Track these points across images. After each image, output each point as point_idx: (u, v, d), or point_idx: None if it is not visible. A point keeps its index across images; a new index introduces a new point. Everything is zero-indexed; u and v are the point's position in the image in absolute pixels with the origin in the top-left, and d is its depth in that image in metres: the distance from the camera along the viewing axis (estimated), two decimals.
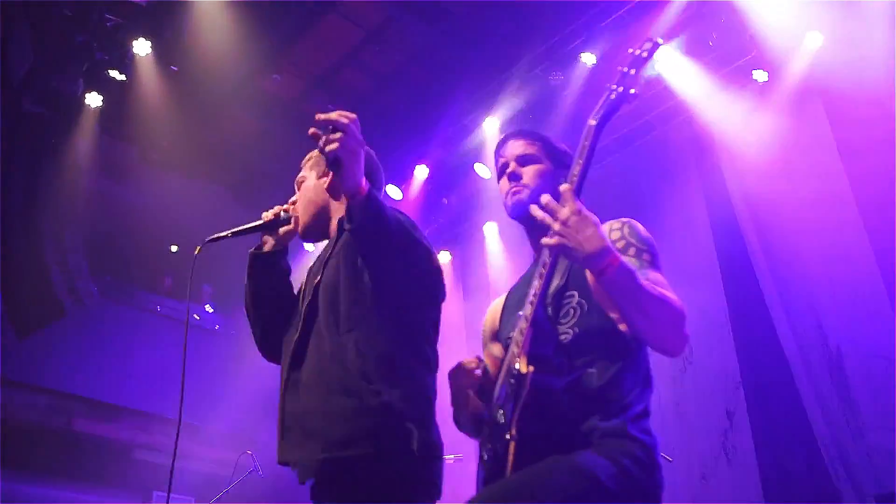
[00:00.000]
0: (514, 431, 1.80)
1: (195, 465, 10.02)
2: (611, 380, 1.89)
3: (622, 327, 1.87)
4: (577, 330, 1.95)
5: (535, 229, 2.06)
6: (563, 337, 1.96)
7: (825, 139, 5.87)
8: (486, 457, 1.93)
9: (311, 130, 1.96)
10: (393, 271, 2.18)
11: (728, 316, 6.19)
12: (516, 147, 2.21)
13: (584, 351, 1.92)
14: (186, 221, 9.11)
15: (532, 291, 1.90)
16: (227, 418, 9.90)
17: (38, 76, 7.05)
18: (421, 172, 8.17)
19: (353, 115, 1.97)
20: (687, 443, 6.20)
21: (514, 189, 2.15)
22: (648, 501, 1.82)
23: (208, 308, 10.98)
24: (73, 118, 7.44)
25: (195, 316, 10.86)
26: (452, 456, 6.57)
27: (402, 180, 8.25)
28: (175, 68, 7.26)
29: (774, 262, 6.03)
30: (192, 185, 8.98)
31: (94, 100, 7.27)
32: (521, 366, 1.84)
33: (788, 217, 6.03)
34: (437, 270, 2.35)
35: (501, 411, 1.86)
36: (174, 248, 10.34)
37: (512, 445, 1.78)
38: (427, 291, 2.32)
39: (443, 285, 2.38)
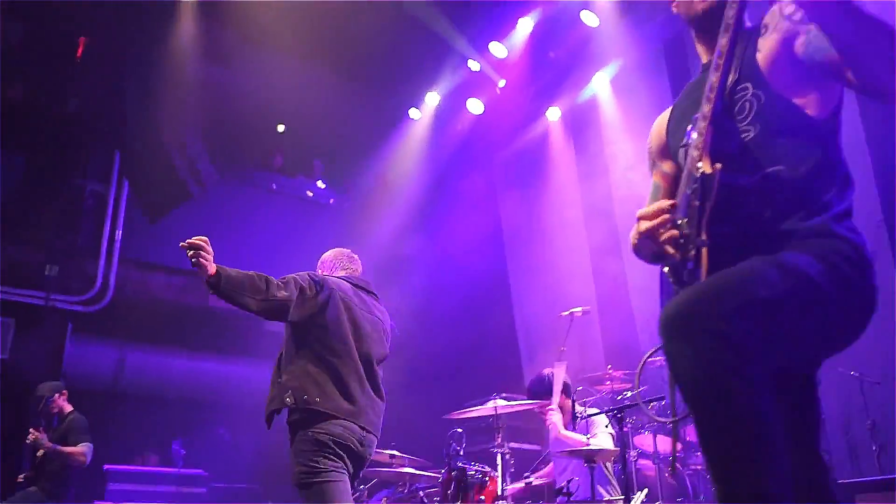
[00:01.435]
0: (704, 236, 1.72)
1: None
2: (805, 177, 1.75)
3: (810, 106, 1.74)
4: (758, 126, 1.81)
5: (703, 25, 1.94)
6: (744, 135, 1.84)
7: None
8: (673, 279, 1.86)
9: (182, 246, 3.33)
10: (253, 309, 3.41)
11: None
12: None
13: (771, 147, 1.77)
14: (292, 101, 9.19)
15: (708, 87, 1.78)
16: None
17: None
18: (524, 26, 7.88)
19: (204, 239, 3.33)
20: None
21: None
22: (864, 302, 1.71)
23: (320, 184, 11.18)
24: (177, 6, 7.48)
25: (308, 192, 11.11)
26: (580, 308, 6.61)
27: (506, 36, 8.00)
28: None
29: None
30: (297, 66, 8.96)
31: None
32: (704, 166, 1.75)
33: None
34: (288, 301, 3.43)
35: (686, 220, 1.77)
36: (281, 128, 10.46)
37: (704, 252, 1.71)
38: (304, 315, 3.51)
39: (314, 306, 3.53)
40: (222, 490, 9.23)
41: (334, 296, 3.58)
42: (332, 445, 3.32)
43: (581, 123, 8.75)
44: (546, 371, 5.05)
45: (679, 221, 1.79)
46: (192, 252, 3.28)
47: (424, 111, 9.53)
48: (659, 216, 1.81)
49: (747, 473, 1.45)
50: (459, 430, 4.44)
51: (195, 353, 9.71)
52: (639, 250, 2.00)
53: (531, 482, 4.17)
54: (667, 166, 2.06)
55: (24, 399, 6.66)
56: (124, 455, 8.97)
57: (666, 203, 1.83)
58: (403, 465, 4.87)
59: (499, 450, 3.96)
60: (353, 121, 9.86)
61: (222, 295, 3.36)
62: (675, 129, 2.06)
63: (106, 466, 8.25)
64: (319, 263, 4.14)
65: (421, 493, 4.79)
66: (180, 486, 8.40)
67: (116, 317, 9.02)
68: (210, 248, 3.33)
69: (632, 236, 1.97)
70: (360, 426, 3.41)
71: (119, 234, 9.17)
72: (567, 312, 6.74)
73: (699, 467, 5.80)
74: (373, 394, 3.56)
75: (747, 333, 1.51)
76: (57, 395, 6.42)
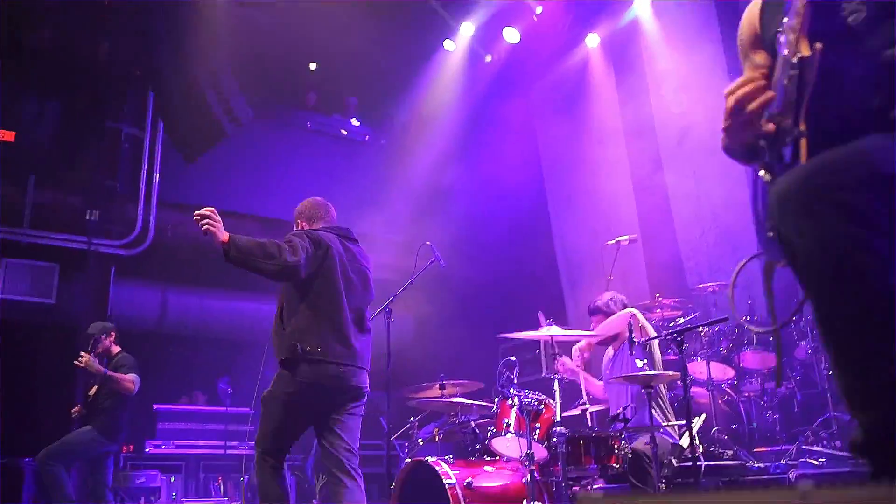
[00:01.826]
0: (803, 126, 1.57)
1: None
2: None
3: None
4: (870, 6, 1.63)
5: None
6: (853, 16, 1.66)
7: None
8: (768, 176, 1.70)
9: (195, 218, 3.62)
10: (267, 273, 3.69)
11: None
12: None
13: (883, 29, 1.62)
14: (323, 38, 9.00)
15: None
16: (393, 224, 10.15)
17: None
18: None
19: (212, 209, 3.62)
20: None
21: None
22: None
23: (354, 122, 11.03)
24: None
25: (342, 131, 10.97)
26: (627, 237, 6.48)
27: None
28: None
29: None
30: (327, 1, 8.75)
31: None
32: (803, 48, 1.58)
33: None
34: (299, 265, 3.68)
35: (782, 111, 1.62)
36: (313, 66, 10.28)
37: (803, 143, 1.56)
38: (308, 272, 3.77)
39: (315, 264, 3.82)
40: None
41: (330, 253, 3.87)
42: (309, 393, 3.75)
43: (621, 47, 8.48)
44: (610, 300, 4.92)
45: (775, 112, 1.63)
46: (202, 221, 3.58)
47: (459, 42, 9.29)
48: (754, 90, 1.65)
49: (880, 360, 1.32)
50: (512, 358, 4.37)
51: (236, 292, 9.74)
52: (730, 143, 1.83)
53: (587, 408, 4.11)
54: (760, 57, 1.88)
55: (73, 343, 6.73)
56: (172, 395, 9.11)
57: (761, 81, 1.66)
58: (454, 396, 4.82)
59: (556, 376, 3.88)
60: (386, 56, 9.67)
61: (234, 262, 3.63)
62: (770, 15, 1.88)
63: (155, 406, 8.38)
64: (297, 215, 4.32)
65: (472, 423, 4.75)
66: (228, 424, 8.52)
67: (158, 259, 9.05)
68: (218, 217, 3.62)
69: (724, 125, 1.80)
70: (356, 366, 3.89)
71: (157, 176, 9.14)
72: (613, 241, 6.63)
73: (752, 394, 5.71)
74: (362, 335, 3.99)
75: (874, 206, 1.37)
76: (105, 335, 6.47)
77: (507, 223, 9.60)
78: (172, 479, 8.17)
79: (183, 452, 8.32)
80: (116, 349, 6.53)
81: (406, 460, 4.42)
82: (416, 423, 5.37)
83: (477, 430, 4.75)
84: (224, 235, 3.57)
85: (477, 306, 9.52)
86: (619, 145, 8.70)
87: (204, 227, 3.57)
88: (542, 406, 4.02)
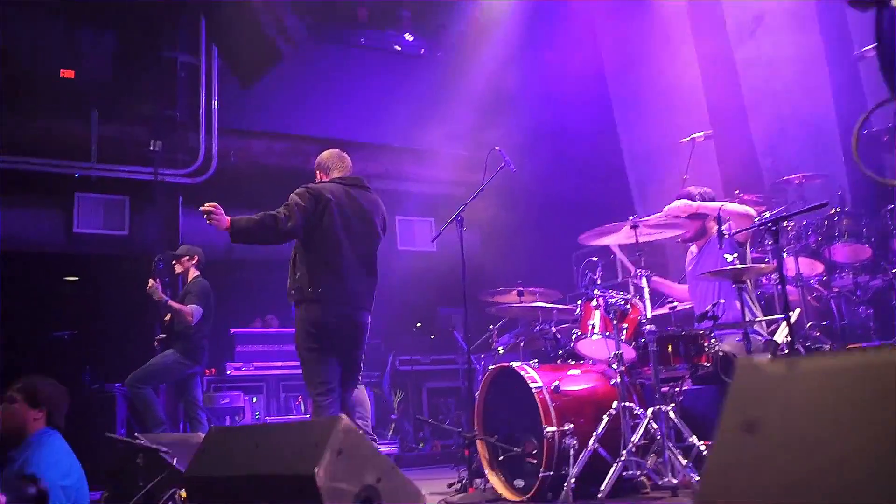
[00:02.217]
0: None
1: (428, 189, 10.37)
2: None
3: None
4: None
5: None
6: None
7: None
8: None
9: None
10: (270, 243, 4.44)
11: None
12: None
13: None
14: None
15: None
16: (455, 138, 9.98)
17: None
18: None
19: (213, 203, 4.18)
20: None
21: None
22: None
23: (408, 36, 10.74)
24: None
25: (396, 47, 10.72)
26: (702, 133, 6.20)
27: None
28: None
29: None
30: None
31: None
32: None
33: None
34: (295, 227, 4.18)
35: None
36: None
37: None
38: (309, 227, 4.21)
39: (315, 219, 4.24)
40: None
41: (329, 207, 4.28)
42: (318, 332, 4.23)
43: None
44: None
45: None
46: (206, 217, 4.16)
47: None
48: None
49: None
50: (595, 258, 4.23)
51: None
52: None
53: (675, 307, 3.97)
54: None
55: (148, 274, 6.83)
56: (247, 319, 9.26)
57: None
58: (533, 301, 4.72)
59: (643, 273, 3.73)
60: None
61: (240, 241, 4.28)
62: None
63: (232, 330, 8.53)
64: (316, 165, 4.79)
65: (553, 328, 4.66)
66: None
67: (224, 185, 9.08)
68: (219, 209, 4.17)
69: None
70: (358, 307, 4.37)
71: (215, 103, 9.10)
72: (688, 138, 6.35)
73: (843, 289, 5.48)
74: (367, 279, 4.45)
75: None
76: (186, 258, 6.56)
77: (571, 129, 9.32)
78: (255, 400, 8.36)
79: (262, 374, 8.48)
80: (194, 274, 6.59)
81: (490, 366, 4.37)
82: (496, 332, 5.32)
83: (558, 336, 4.66)
84: (226, 222, 4.14)
85: (546, 215, 9.34)
86: (687, 41, 8.30)
87: (209, 222, 4.15)
88: (629, 306, 3.89)
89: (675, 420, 3.55)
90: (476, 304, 5.57)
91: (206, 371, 8.25)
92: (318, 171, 4.74)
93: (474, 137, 9.70)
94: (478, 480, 4.37)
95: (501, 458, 4.12)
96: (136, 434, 3.56)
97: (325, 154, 4.81)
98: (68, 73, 8.75)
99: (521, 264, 8.47)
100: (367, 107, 9.96)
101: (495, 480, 4.16)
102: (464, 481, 4.46)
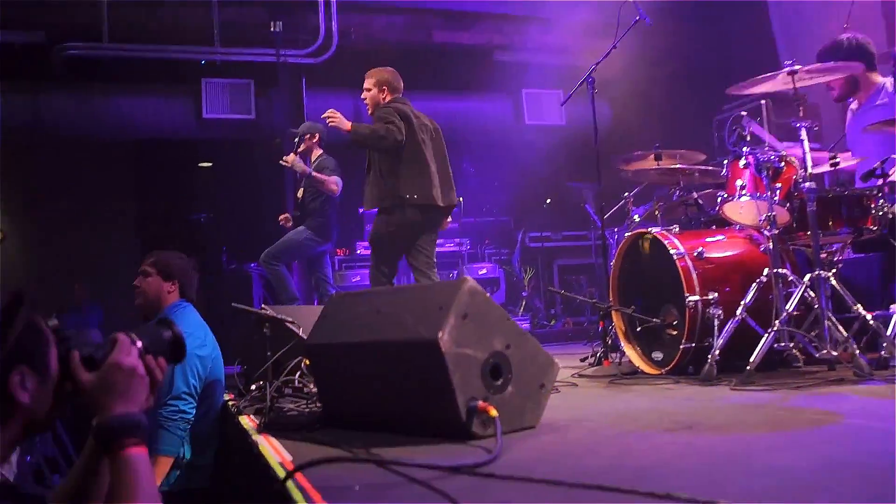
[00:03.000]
0: None
1: (555, 59, 9.85)
2: None
3: None
4: None
5: None
6: None
7: None
8: None
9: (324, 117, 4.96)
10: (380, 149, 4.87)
11: None
12: None
13: None
14: None
15: None
16: (581, 4, 9.36)
17: None
18: None
19: (332, 110, 4.96)
20: None
21: None
22: None
23: None
24: None
25: None
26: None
27: None
28: None
29: None
30: None
31: None
32: None
33: None
34: (400, 139, 4.78)
35: None
36: None
37: None
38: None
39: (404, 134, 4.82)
40: (471, 225, 9.35)
41: (412, 124, 4.91)
42: (411, 232, 4.93)
43: None
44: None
45: None
46: (329, 120, 4.89)
47: None
48: None
49: None
50: (743, 112, 3.80)
51: (426, 91, 9.49)
52: None
53: (838, 163, 3.52)
54: None
55: (279, 154, 6.84)
56: None
57: None
58: (673, 164, 4.34)
59: (802, 124, 3.30)
60: None
61: (358, 145, 4.88)
62: None
63: (361, 210, 8.54)
64: (383, 83, 5.16)
65: (695, 194, 4.29)
66: None
67: (345, 64, 8.91)
68: (339, 114, 4.90)
69: None
70: (447, 203, 5.02)
71: None
72: None
73: None
74: (449, 181, 5.08)
75: None
76: (309, 135, 6.47)
77: None
78: None
79: None
80: (318, 151, 6.53)
81: (626, 234, 4.08)
82: (631, 199, 4.99)
83: (700, 202, 4.30)
84: (347, 125, 4.82)
85: (682, 78, 8.70)
86: None
87: (331, 124, 4.89)
88: (783, 163, 3.48)
89: (838, 287, 3.18)
90: (609, 177, 5.25)
91: (338, 251, 8.35)
92: (384, 88, 5.13)
93: (600, 2, 9.06)
94: (613, 354, 4.17)
95: (639, 329, 3.88)
96: (263, 305, 3.54)
97: (387, 74, 5.19)
98: None
99: (655, 131, 7.95)
100: None
101: (632, 353, 3.95)
102: (598, 355, 4.27)
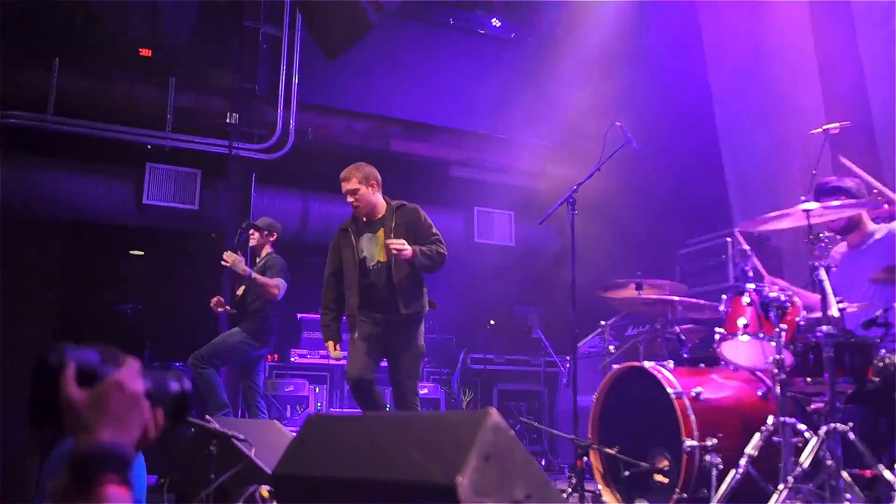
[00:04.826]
0: None
1: (510, 180, 9.80)
2: None
3: None
4: None
5: None
6: None
7: None
8: None
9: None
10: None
11: None
12: None
13: None
14: None
15: None
16: (541, 130, 9.40)
17: None
18: None
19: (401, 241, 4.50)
20: None
21: None
22: None
23: (496, 22, 10.20)
24: None
25: (479, 31, 10.19)
26: (837, 124, 5.58)
27: None
28: None
29: None
30: None
31: None
32: None
33: None
34: None
35: None
36: None
37: None
38: None
39: None
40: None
41: None
42: None
43: None
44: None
45: None
46: (400, 252, 4.45)
47: None
48: None
49: None
50: (746, 247, 3.61)
51: None
52: None
53: (844, 308, 3.32)
54: None
55: (219, 249, 6.43)
56: (315, 304, 8.80)
57: None
58: (661, 295, 4.11)
59: (820, 264, 3.10)
60: None
61: (422, 270, 4.67)
62: None
63: (299, 315, 8.09)
64: (371, 179, 4.91)
65: (677, 328, 4.04)
66: None
67: (299, 164, 8.67)
68: (407, 246, 4.50)
69: None
70: None
71: (296, 78, 8.68)
72: (820, 129, 5.70)
73: None
74: None
75: None
76: (265, 231, 6.13)
77: (666, 125, 8.64)
78: (317, 390, 7.92)
79: (328, 363, 8.02)
80: (269, 250, 6.15)
81: (614, 366, 3.77)
82: (607, 329, 4.72)
83: (683, 337, 4.05)
84: (410, 253, 4.47)
85: (642, 212, 8.65)
86: (804, 28, 7.59)
87: (404, 255, 4.47)
88: (789, 304, 3.27)
89: (857, 443, 2.92)
90: (558, 302, 5.02)
91: (269, 357, 7.84)
92: (373, 183, 4.90)
93: (562, 129, 9.13)
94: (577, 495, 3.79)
95: (627, 473, 3.52)
96: (207, 417, 3.07)
97: (367, 168, 4.95)
98: (146, 52, 8.49)
99: (617, 259, 7.83)
100: (452, 90, 9.45)
101: (610, 498, 3.58)
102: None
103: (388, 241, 4.52)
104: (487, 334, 9.51)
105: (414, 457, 1.80)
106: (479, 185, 9.68)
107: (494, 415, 1.82)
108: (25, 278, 8.29)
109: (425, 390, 8.28)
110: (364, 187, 4.85)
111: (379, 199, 4.94)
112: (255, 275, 5.81)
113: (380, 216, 4.90)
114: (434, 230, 4.80)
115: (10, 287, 7.70)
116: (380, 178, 4.96)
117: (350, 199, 4.88)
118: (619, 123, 4.64)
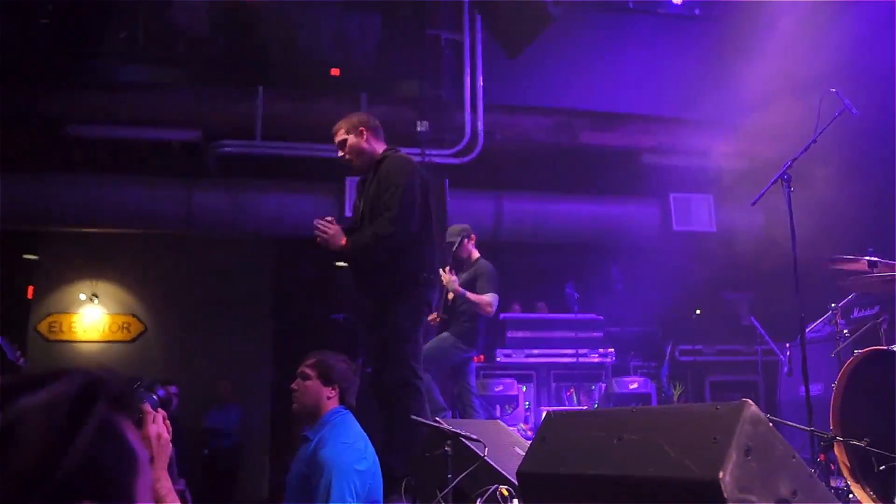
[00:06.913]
0: None
1: (706, 162, 9.38)
2: None
3: None
4: None
5: None
6: None
7: None
8: None
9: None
10: None
11: None
12: None
13: None
14: None
15: None
16: (731, 107, 8.92)
17: None
18: None
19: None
20: None
21: None
22: None
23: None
24: None
25: (659, 11, 9.82)
26: None
27: None
28: None
29: None
30: None
31: None
32: None
33: None
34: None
35: None
36: None
37: None
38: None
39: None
40: (616, 335, 8.78)
41: None
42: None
43: None
44: None
45: None
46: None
47: None
48: None
49: None
50: None
51: (572, 195, 9.21)
52: None
53: None
54: None
55: None
56: (514, 302, 8.85)
57: None
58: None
59: None
60: None
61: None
62: None
63: (502, 315, 8.14)
64: (362, 128, 4.20)
65: None
66: (576, 330, 8.06)
67: (489, 165, 8.76)
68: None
69: None
70: None
71: (480, 79, 8.78)
72: None
73: None
74: None
75: None
76: (466, 238, 6.19)
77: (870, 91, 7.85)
78: (524, 388, 7.94)
79: (533, 361, 8.03)
80: (476, 255, 6.22)
81: (855, 351, 3.48)
82: (840, 312, 4.38)
83: None
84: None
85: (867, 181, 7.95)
86: None
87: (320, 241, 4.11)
88: None
89: None
90: (770, 286, 4.68)
91: (475, 358, 7.95)
92: (362, 131, 4.20)
93: (753, 105, 8.60)
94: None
95: (882, 468, 3.24)
96: (437, 419, 3.13)
97: (371, 116, 4.37)
98: (334, 72, 8.91)
99: (833, 237, 7.26)
100: (636, 75, 9.18)
101: (862, 495, 3.30)
102: None
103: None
104: (694, 324, 9.17)
105: (666, 452, 1.73)
106: (673, 170, 9.34)
107: (752, 406, 1.72)
108: (244, 293, 8.99)
109: (635, 384, 8.09)
110: (353, 136, 4.10)
111: (376, 149, 4.17)
112: (466, 294, 5.87)
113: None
114: (391, 193, 3.84)
115: (231, 301, 8.36)
116: (378, 125, 4.26)
117: (340, 154, 4.14)
118: (834, 90, 4.29)
